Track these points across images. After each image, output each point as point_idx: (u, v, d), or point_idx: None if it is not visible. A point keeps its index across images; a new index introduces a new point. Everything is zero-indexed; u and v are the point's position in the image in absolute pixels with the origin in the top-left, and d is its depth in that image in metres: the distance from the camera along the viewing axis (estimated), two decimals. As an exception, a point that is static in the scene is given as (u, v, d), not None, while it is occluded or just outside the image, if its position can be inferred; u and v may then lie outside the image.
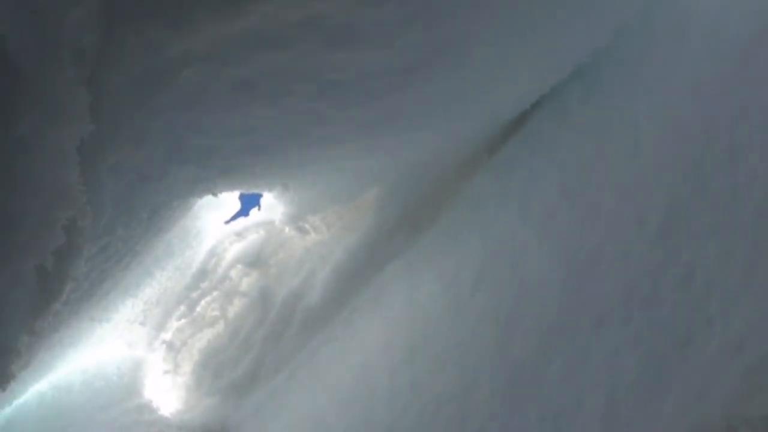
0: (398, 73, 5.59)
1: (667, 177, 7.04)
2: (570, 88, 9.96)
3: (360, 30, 4.81)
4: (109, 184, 4.83)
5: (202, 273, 12.96)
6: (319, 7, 4.49)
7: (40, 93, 3.71)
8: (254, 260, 12.86)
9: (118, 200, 5.19)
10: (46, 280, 4.51)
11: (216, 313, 13.04)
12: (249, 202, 13.06)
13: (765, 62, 6.84)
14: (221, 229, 13.12)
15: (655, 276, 6.03)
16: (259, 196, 12.76)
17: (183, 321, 13.12)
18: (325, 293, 11.91)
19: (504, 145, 10.76)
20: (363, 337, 10.68)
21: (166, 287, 12.98)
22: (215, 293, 13.03)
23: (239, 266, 12.96)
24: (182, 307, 13.10)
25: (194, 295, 13.03)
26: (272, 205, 12.61)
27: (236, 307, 13.02)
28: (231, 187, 8.61)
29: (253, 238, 13.09)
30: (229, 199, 12.53)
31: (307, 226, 12.43)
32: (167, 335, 13.18)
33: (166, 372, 13.11)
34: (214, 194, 8.73)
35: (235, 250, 13.13)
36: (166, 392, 13.02)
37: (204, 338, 13.10)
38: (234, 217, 13.15)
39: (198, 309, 13.06)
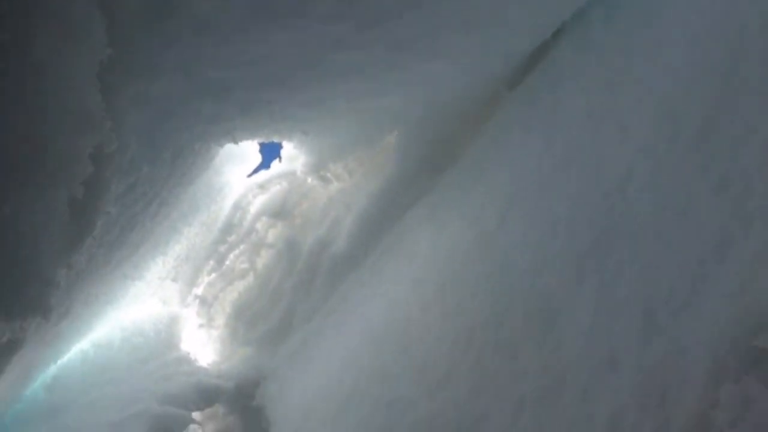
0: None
1: (699, 89, 6.79)
2: (592, 12, 9.63)
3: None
4: (131, 115, 4.82)
5: (228, 227, 13.10)
6: None
7: (55, 13, 3.66)
8: (278, 212, 12.93)
9: (141, 135, 5.20)
10: (78, 212, 4.55)
11: (245, 265, 13.22)
12: (270, 155, 13.09)
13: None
14: (244, 182, 13.19)
15: (689, 188, 5.88)
16: (280, 147, 12.76)
17: (213, 275, 13.34)
18: (351, 240, 11.96)
19: (526, 78, 10.52)
20: (391, 279, 10.74)
21: (194, 243, 13.17)
22: (242, 246, 13.18)
23: (264, 218, 13.05)
24: (211, 262, 13.31)
25: (222, 249, 13.21)
26: (293, 156, 12.60)
27: (264, 258, 13.17)
28: (250, 133, 8.56)
29: (276, 189, 13.14)
30: (251, 152, 12.55)
31: (328, 174, 12.41)
32: (199, 290, 13.45)
33: (201, 326, 13.42)
34: (235, 141, 8.71)
35: (259, 202, 13.21)
36: (202, 345, 13.35)
37: (235, 291, 13.32)
38: (256, 170, 13.22)
39: (227, 263, 13.25)
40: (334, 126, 10.14)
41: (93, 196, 4.65)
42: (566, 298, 6.42)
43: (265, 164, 13.22)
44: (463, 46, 7.96)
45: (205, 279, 13.36)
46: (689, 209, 5.72)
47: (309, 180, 12.51)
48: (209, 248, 13.25)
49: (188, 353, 12.89)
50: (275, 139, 10.51)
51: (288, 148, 12.31)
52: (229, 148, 11.27)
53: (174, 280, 13.40)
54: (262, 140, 10.14)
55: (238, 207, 13.11)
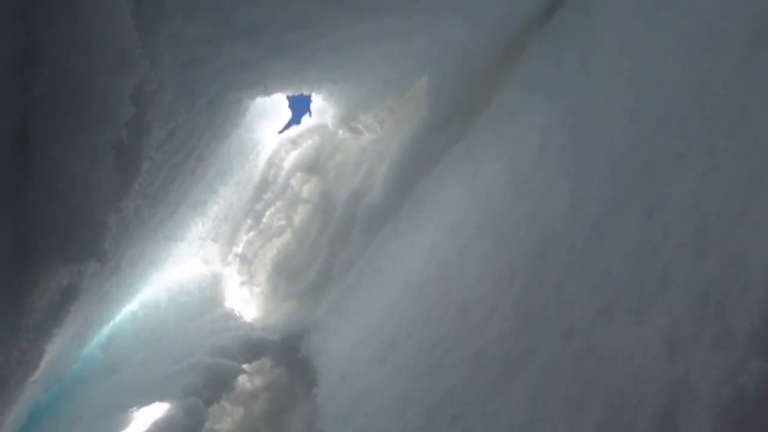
0: None
1: (745, 7, 6.44)
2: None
3: None
4: (167, 56, 4.83)
5: (264, 184, 13.22)
6: None
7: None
8: (312, 166, 12.97)
9: (177, 77, 5.21)
10: (124, 156, 4.61)
11: (282, 222, 13.37)
12: (300, 109, 13.03)
13: None
14: (276, 139, 13.22)
15: (741, 102, 5.63)
16: (309, 101, 12.69)
17: (251, 233, 13.54)
18: (386, 190, 11.94)
19: (556, 11, 10.16)
20: (428, 225, 10.73)
21: (231, 202, 13.35)
22: (278, 203, 13.30)
23: (298, 174, 13.11)
24: (249, 220, 13.50)
25: (258, 207, 13.36)
26: (323, 109, 12.53)
27: (300, 214, 13.29)
28: (281, 82, 8.53)
29: (308, 144, 13.15)
30: (281, 108, 12.53)
31: (359, 125, 12.32)
32: (239, 249, 13.69)
33: (243, 283, 13.71)
34: (267, 92, 8.70)
35: (292, 158, 13.26)
36: (245, 302, 13.67)
37: (274, 247, 13.52)
38: (287, 126, 13.22)
39: (264, 220, 13.42)
40: (364, 73, 10.01)
41: (136, 140, 4.71)
42: (611, 226, 6.30)
43: (295, 119, 13.22)
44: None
45: (244, 237, 13.58)
46: (741, 124, 5.50)
47: (340, 132, 12.46)
48: (246, 207, 13.42)
49: (233, 310, 13.23)
50: (305, 91, 10.46)
51: (317, 102, 12.24)
52: (260, 103, 11.29)
53: (214, 240, 13.67)
54: (291, 92, 10.10)
55: (272, 164, 13.19)
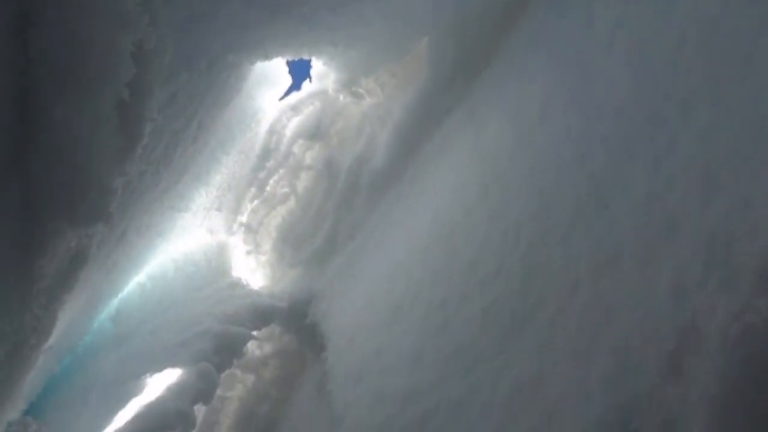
0: None
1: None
2: None
3: None
4: (166, 13, 4.76)
5: (266, 152, 13.17)
6: None
7: None
8: (314, 133, 12.90)
9: (176, 36, 5.16)
10: (126, 116, 4.59)
11: (285, 189, 13.36)
12: (300, 75, 12.87)
13: None
14: (277, 106, 13.12)
15: (746, 49, 5.56)
16: (309, 66, 12.55)
17: (255, 202, 13.55)
18: (389, 154, 11.89)
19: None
20: (433, 187, 10.71)
21: (234, 172, 13.33)
22: (281, 171, 13.27)
23: (300, 141, 13.05)
24: (252, 189, 13.49)
25: (262, 175, 13.34)
26: (323, 74, 12.39)
27: (304, 181, 13.27)
28: (280, 45, 8.43)
29: (309, 110, 13.05)
30: (280, 74, 12.40)
31: (360, 90, 12.20)
32: (243, 218, 13.71)
33: (249, 252, 13.77)
34: (266, 56, 8.60)
35: (293, 125, 13.18)
36: (252, 270, 13.75)
37: (278, 215, 13.54)
38: (287, 93, 13.09)
39: (268, 188, 13.41)
40: (364, 35, 9.88)
41: (138, 100, 4.68)
42: (617, 178, 6.29)
43: (296, 85, 13.09)
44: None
45: (248, 206, 13.59)
46: (747, 71, 5.43)
47: (341, 98, 12.34)
48: (249, 175, 13.41)
49: (240, 279, 13.31)
50: (305, 55, 10.34)
51: (317, 67, 12.10)
52: (260, 70, 11.17)
53: (218, 209, 13.68)
54: (291, 56, 9.98)
55: (273, 131, 13.11)
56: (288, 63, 12.01)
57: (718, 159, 4.87)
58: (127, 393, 9.53)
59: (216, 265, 13.64)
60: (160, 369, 10.02)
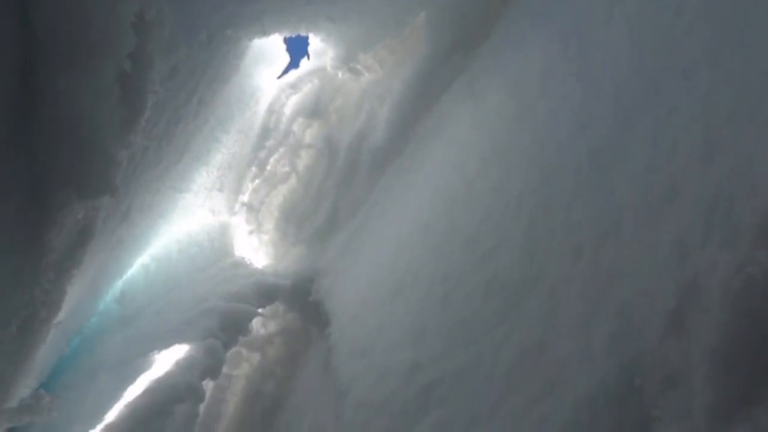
0: None
1: None
2: None
3: None
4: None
5: (265, 131, 13.16)
6: None
7: None
8: (313, 111, 12.87)
9: (176, 8, 5.15)
10: (128, 88, 4.61)
11: (286, 168, 13.36)
12: (297, 53, 12.80)
13: None
14: (275, 84, 13.07)
15: (745, 19, 5.55)
16: (307, 44, 12.48)
17: (257, 181, 13.55)
18: (389, 130, 11.88)
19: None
20: (433, 162, 10.72)
21: (234, 151, 13.33)
22: (282, 149, 13.27)
23: (300, 119, 13.02)
24: (253, 168, 13.49)
25: (262, 154, 13.34)
26: (321, 51, 12.34)
27: (304, 159, 13.27)
28: (278, 20, 8.40)
29: (308, 88, 13.00)
30: (278, 52, 12.34)
31: (359, 66, 12.15)
32: (245, 197, 13.73)
33: (251, 231, 13.81)
34: (264, 32, 8.57)
35: (292, 103, 13.14)
36: (255, 250, 13.81)
37: (279, 194, 13.55)
38: (285, 71, 13.03)
39: (268, 167, 13.41)
40: (361, 9, 9.84)
41: (140, 72, 4.70)
42: (618, 146, 6.32)
43: (294, 63, 13.03)
44: None
45: (250, 186, 13.60)
46: (746, 38, 5.43)
47: (340, 75, 12.30)
48: (249, 155, 13.41)
49: (243, 258, 13.38)
50: (302, 31, 10.30)
51: (315, 44, 12.04)
52: (258, 48, 11.13)
53: (220, 189, 13.70)
54: (289, 32, 9.94)
55: (273, 110, 13.08)
56: (285, 41, 11.96)
57: (720, 120, 4.90)
58: (136, 369, 9.66)
59: (219, 245, 13.70)
60: (167, 346, 10.13)
